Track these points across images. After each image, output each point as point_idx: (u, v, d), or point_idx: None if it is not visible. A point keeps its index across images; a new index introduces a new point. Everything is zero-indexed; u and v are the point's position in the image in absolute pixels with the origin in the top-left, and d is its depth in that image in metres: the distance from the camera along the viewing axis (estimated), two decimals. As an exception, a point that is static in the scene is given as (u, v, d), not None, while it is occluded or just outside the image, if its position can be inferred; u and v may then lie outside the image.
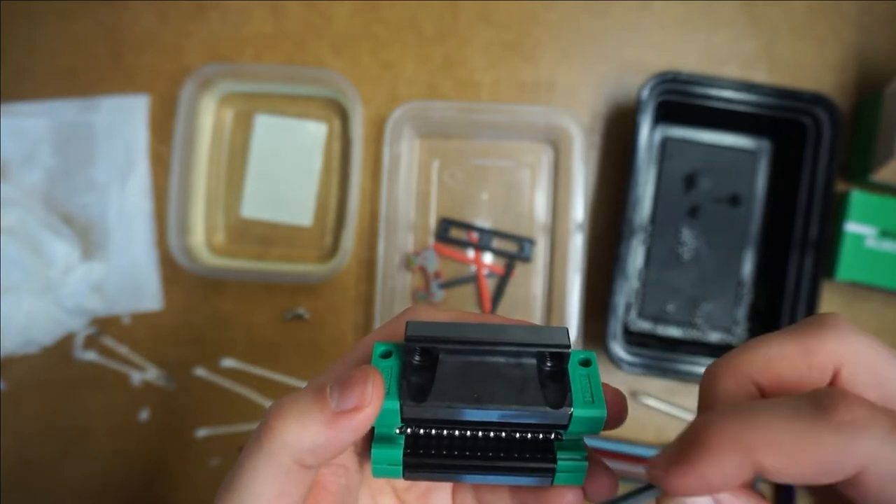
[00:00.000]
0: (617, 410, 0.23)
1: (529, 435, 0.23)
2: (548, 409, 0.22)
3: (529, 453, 0.23)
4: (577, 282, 0.56)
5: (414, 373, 0.23)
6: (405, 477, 0.23)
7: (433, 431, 0.23)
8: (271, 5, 0.62)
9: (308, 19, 0.62)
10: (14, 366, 0.62)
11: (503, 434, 0.23)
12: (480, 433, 0.23)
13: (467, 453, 0.23)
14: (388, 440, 0.22)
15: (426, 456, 0.23)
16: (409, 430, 0.23)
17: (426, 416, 0.22)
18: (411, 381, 0.22)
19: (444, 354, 0.23)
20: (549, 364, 0.23)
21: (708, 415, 0.18)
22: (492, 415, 0.22)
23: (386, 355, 0.23)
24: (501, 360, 0.23)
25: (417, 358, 0.23)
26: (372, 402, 0.21)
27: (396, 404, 0.22)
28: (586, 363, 0.23)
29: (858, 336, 0.18)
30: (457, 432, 0.23)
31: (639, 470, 0.59)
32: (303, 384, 0.60)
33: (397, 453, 0.22)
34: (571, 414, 0.22)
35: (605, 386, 0.23)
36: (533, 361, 0.23)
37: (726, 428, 0.17)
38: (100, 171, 0.62)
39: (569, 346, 0.23)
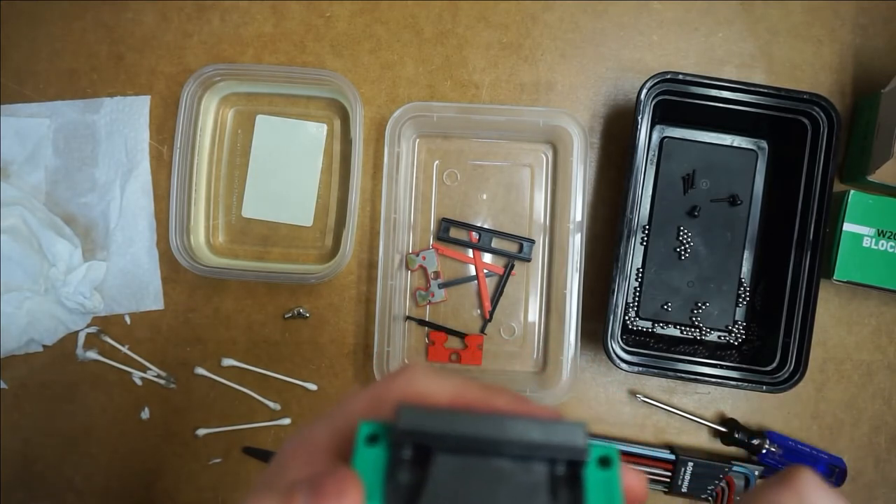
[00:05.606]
0: None
1: None
2: None
3: None
4: (577, 281, 0.57)
5: (403, 469, 0.20)
6: None
7: None
8: (271, 6, 0.62)
9: (308, 20, 0.62)
10: (15, 365, 0.62)
11: None
12: None
13: None
14: None
15: None
16: None
17: None
18: (399, 482, 0.20)
19: (440, 454, 0.20)
20: (561, 468, 0.20)
21: None
22: None
23: (372, 439, 0.20)
24: (507, 462, 0.20)
25: (408, 452, 0.20)
26: None
27: None
28: (606, 462, 0.20)
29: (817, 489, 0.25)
30: None
31: (637, 468, 0.59)
32: (303, 384, 0.61)
33: None
34: None
35: (627, 471, 0.20)
36: (543, 465, 0.20)
37: None
38: (101, 171, 0.62)
39: (585, 453, 0.20)
